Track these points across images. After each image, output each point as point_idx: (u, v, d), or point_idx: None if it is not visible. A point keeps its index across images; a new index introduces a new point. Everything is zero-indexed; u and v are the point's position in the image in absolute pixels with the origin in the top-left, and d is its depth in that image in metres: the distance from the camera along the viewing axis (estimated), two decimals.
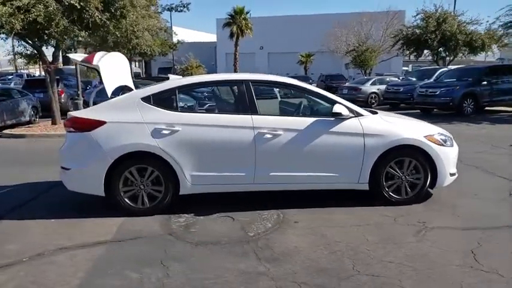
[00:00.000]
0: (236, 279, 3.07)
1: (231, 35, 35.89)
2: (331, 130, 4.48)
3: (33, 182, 5.97)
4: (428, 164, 4.57)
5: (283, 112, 4.95)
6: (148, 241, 3.84)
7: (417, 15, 21.18)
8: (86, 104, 16.15)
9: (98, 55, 4.66)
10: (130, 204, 4.43)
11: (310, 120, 4.52)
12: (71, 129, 4.45)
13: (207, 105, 5.18)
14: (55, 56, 12.81)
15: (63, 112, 10.34)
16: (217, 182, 4.50)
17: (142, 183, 4.42)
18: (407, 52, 21.84)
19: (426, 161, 4.57)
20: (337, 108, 4.42)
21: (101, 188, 4.38)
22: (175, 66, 35.43)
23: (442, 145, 4.62)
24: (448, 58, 20.79)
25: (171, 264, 3.33)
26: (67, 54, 5.13)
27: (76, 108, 16.92)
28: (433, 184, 4.64)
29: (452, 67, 18.36)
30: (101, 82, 4.65)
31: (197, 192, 4.55)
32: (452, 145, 4.74)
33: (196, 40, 47.47)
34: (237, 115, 4.50)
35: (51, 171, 5.75)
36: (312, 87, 4.79)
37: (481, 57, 23.53)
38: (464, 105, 13.68)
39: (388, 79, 21.75)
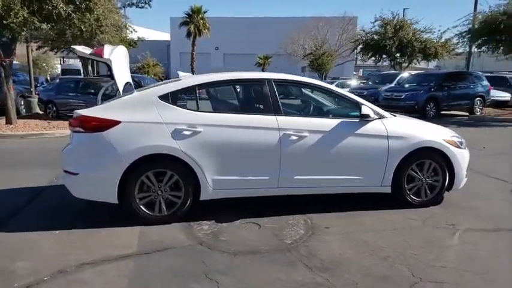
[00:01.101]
0: None
1: (188, 35, 35.20)
2: (356, 132, 4.39)
3: (12, 188, 5.34)
4: (447, 166, 4.62)
5: (305, 113, 4.78)
6: (179, 252, 3.51)
7: (375, 21, 21.91)
8: (42, 102, 15.12)
9: (108, 48, 4.23)
10: (147, 212, 4.06)
11: (335, 121, 4.39)
12: (80, 129, 3.99)
13: (227, 105, 4.88)
14: (11, 49, 11.76)
15: None
16: (240, 186, 4.25)
17: (160, 188, 4.06)
18: (367, 57, 22.51)
19: (445, 163, 4.61)
20: (365, 110, 4.34)
21: (114, 195, 3.97)
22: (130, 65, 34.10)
23: (459, 147, 4.69)
24: (404, 64, 21.67)
25: (218, 278, 3.05)
26: (72, 46, 4.57)
27: (29, 107, 15.77)
28: (450, 186, 4.69)
29: (406, 73, 19.21)
30: (110, 77, 4.22)
31: (218, 198, 4.26)
32: (465, 147, 4.83)
33: (149, 38, 46.09)
34: (261, 116, 4.27)
35: (24, 175, 5.19)
36: (336, 89, 4.67)
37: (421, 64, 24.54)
38: (427, 108, 14.31)
39: (349, 83, 22.39)
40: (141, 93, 4.25)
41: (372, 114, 4.38)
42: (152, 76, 26.56)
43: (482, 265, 3.24)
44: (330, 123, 4.38)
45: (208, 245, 3.64)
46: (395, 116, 4.82)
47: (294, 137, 4.22)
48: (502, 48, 15.24)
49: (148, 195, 4.06)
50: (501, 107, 17.91)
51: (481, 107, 15.72)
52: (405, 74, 18.21)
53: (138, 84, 17.30)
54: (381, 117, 4.51)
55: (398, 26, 20.85)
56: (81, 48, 4.24)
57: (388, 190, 4.55)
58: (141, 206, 4.04)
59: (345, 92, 4.66)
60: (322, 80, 31.49)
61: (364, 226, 4.09)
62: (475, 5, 18.85)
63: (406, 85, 15.92)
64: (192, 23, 34.15)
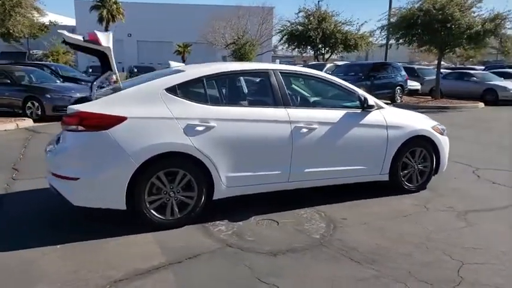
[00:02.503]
0: (365, 285, 2.84)
1: (100, 20, 32.93)
2: (360, 123, 4.46)
3: None
4: (434, 152, 4.93)
5: (311, 105, 4.71)
6: (212, 257, 3.25)
7: (299, 12, 22.53)
8: None
9: (103, 35, 3.70)
10: (158, 216, 3.70)
11: (341, 113, 4.42)
12: (78, 127, 3.47)
13: (237, 97, 4.60)
14: None
15: None
16: (253, 182, 4.07)
17: (172, 189, 3.72)
18: (292, 47, 23.09)
19: (432, 150, 4.91)
20: (370, 101, 4.43)
21: (122, 200, 3.55)
22: (32, 52, 30.78)
23: (442, 134, 5.03)
24: (326, 55, 22.67)
25: (275, 281, 2.88)
26: (59, 31, 3.82)
27: None
28: (436, 171, 5.02)
29: (332, 63, 20.14)
30: (105, 68, 3.72)
31: (231, 196, 4.04)
32: (446, 134, 5.20)
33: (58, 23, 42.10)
34: (273, 108, 4.11)
35: None
36: (338, 80, 4.67)
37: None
38: None
39: None
40: (145, 86, 3.81)
41: (375, 105, 4.48)
42: (64, 64, 24.21)
43: (504, 243, 3.52)
44: (337, 114, 4.39)
45: (238, 247, 3.44)
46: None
47: (305, 130, 4.16)
48: (416, 41, 16.62)
49: (159, 198, 3.70)
50: (413, 95, 19.69)
51: (400, 95, 17.09)
52: (331, 65, 19.04)
53: (55, 73, 15.79)
54: (380, 107, 4.64)
55: (321, 18, 21.66)
56: (71, 35, 3.67)
57: (386, 178, 4.72)
58: (152, 211, 3.67)
59: (346, 83, 4.69)
60: None
61: (377, 215, 4.19)
62: (390, 2, 20.29)
63: (338, 75, 16.69)
64: (105, 7, 31.99)
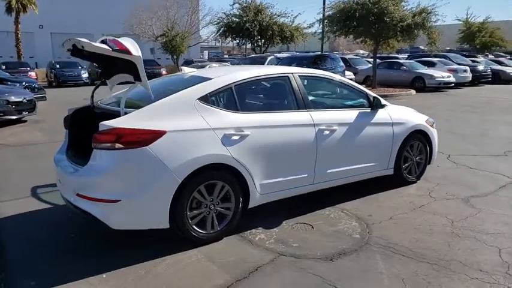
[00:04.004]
0: (436, 281, 3.02)
1: (9, 10, 29.77)
2: (372, 121, 4.66)
3: None
4: (428, 144, 5.31)
5: (328, 106, 4.76)
6: (275, 269, 3.21)
7: (234, 4, 22.45)
8: None
9: (129, 42, 3.42)
10: (200, 231, 3.56)
11: (355, 113, 4.58)
12: (116, 145, 3.19)
13: (264, 103, 4.50)
14: None
15: None
16: (283, 187, 4.08)
17: (211, 202, 3.60)
18: (229, 39, 22.98)
19: (426, 142, 5.29)
20: (383, 101, 4.64)
21: (166, 218, 3.36)
22: None
23: (432, 127, 5.43)
24: (264, 47, 22.91)
25: (349, 285, 2.96)
26: (79, 39, 3.31)
27: None
28: (429, 161, 5.42)
29: (273, 55, 20.45)
30: (137, 76, 3.43)
31: (264, 203, 4.01)
32: (435, 127, 5.60)
33: None
34: (298, 112, 4.14)
35: None
36: (348, 80, 4.80)
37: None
38: None
39: (208, 66, 22.51)
40: (178, 96, 3.60)
41: (387, 104, 4.71)
42: None
43: None
44: (352, 114, 4.54)
45: (291, 255, 3.44)
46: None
47: (327, 132, 4.25)
48: (352, 33, 17.49)
49: (200, 212, 3.56)
50: None
51: None
52: (272, 57, 19.31)
53: None
54: (384, 105, 4.88)
55: (256, 10, 21.80)
56: (94, 43, 3.32)
57: (392, 172, 5.00)
58: (194, 226, 3.53)
59: (354, 83, 4.84)
60: (175, 63, 30.92)
61: (396, 208, 4.43)
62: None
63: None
64: None
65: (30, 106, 10.41)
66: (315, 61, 16.83)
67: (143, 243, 3.61)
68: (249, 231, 3.88)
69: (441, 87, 18.49)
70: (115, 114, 3.42)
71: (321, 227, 3.99)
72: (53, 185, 5.23)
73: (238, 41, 22.90)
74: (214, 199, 3.61)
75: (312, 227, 4.01)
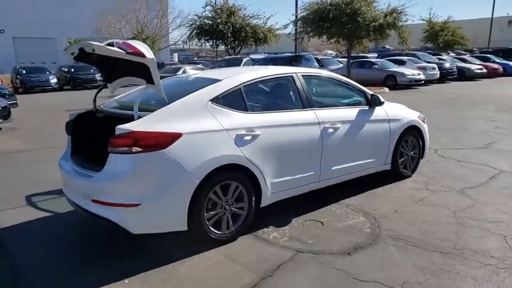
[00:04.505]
0: (453, 270, 3.14)
1: None
2: (371, 119, 4.79)
3: None
4: (421, 139, 5.51)
5: (329, 105, 4.82)
6: (297, 265, 3.25)
7: (206, 6, 22.38)
8: None
9: (141, 45, 3.38)
10: (216, 231, 3.57)
11: (355, 110, 4.70)
12: (133, 148, 3.15)
13: (271, 103, 4.51)
14: None
15: None
16: (291, 186, 4.13)
17: (226, 202, 3.61)
18: (202, 41, 22.87)
19: (420, 137, 5.49)
20: (381, 98, 4.77)
21: (184, 221, 3.35)
22: None
23: (424, 122, 5.63)
24: (237, 49, 22.95)
25: (372, 277, 3.03)
26: (89, 42, 3.20)
27: None
28: (422, 156, 5.61)
29: (249, 57, 20.53)
30: (149, 79, 3.39)
31: (274, 202, 4.05)
32: (426, 122, 5.80)
33: None
34: (304, 111, 4.21)
35: None
36: (346, 79, 4.92)
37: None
38: None
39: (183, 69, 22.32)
40: (190, 98, 3.58)
41: (385, 102, 4.85)
42: None
43: None
44: (353, 112, 4.66)
45: (309, 251, 3.49)
46: None
47: (331, 129, 4.34)
48: (326, 33, 17.81)
49: (215, 213, 3.56)
50: None
51: None
52: (247, 59, 19.40)
53: None
54: (383, 103, 5.02)
55: (229, 12, 21.82)
56: (107, 46, 3.26)
57: (389, 167, 5.15)
58: (210, 227, 3.53)
59: (352, 81, 4.96)
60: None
61: (399, 202, 4.57)
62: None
63: None
64: None
65: (5, 113, 10.01)
66: (290, 62, 17.05)
67: (156, 247, 3.57)
68: (261, 230, 3.91)
69: (412, 84, 19.10)
70: (127, 118, 3.36)
71: (330, 223, 4.06)
72: (47, 193, 5.12)
73: (211, 43, 22.81)
74: (229, 199, 3.63)
75: (322, 223, 4.08)
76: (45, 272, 3.26)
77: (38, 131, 10.08)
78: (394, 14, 16.32)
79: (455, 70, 22.68)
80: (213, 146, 3.46)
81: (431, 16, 36.39)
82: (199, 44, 24.26)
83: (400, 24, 16.48)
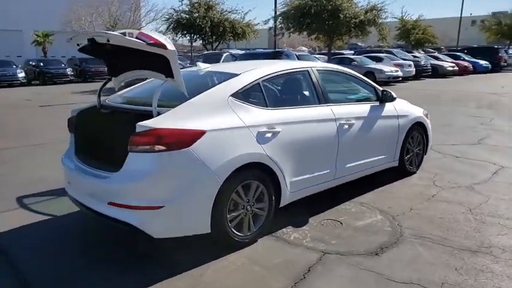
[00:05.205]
0: (486, 268, 3.10)
1: None
2: (382, 115, 4.72)
3: None
4: (425, 135, 5.49)
5: (343, 100, 4.69)
6: (328, 268, 3.11)
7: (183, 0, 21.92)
8: None
9: (160, 36, 3.13)
10: (238, 233, 3.38)
11: (367, 106, 4.61)
12: (156, 147, 2.91)
13: (288, 98, 4.32)
14: None
15: None
16: (309, 184, 3.99)
17: (248, 203, 3.44)
18: (179, 36, 22.40)
19: (424, 133, 5.47)
20: (394, 94, 4.70)
21: (207, 222, 3.15)
22: None
23: (427, 118, 5.61)
24: (215, 44, 22.61)
25: (408, 277, 2.94)
26: (106, 32, 2.88)
27: None
28: (425, 152, 5.60)
29: (228, 52, 20.25)
30: (169, 72, 3.14)
31: (292, 201, 3.90)
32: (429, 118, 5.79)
33: None
34: (320, 107, 4.08)
35: None
36: (358, 74, 4.82)
37: None
38: None
39: None
40: (210, 93, 3.36)
41: (397, 97, 4.79)
42: None
43: None
44: (365, 108, 4.56)
45: (336, 252, 3.36)
46: None
47: (346, 126, 4.23)
48: (307, 29, 17.80)
49: (238, 214, 3.38)
50: None
51: None
52: (227, 54, 19.12)
53: None
54: (395, 99, 4.96)
55: (207, 6, 21.45)
56: (127, 37, 3.00)
57: (396, 164, 5.10)
58: (233, 229, 3.34)
59: (363, 77, 4.87)
60: None
61: (411, 199, 4.51)
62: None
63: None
64: None
65: None
66: (273, 58, 16.93)
67: (173, 251, 3.35)
68: (280, 230, 3.76)
69: (390, 81, 19.39)
70: (145, 114, 3.12)
71: (349, 222, 3.95)
72: (39, 194, 4.78)
73: (189, 37, 22.36)
74: (250, 199, 3.45)
75: (341, 223, 3.96)
76: (56, 279, 2.99)
77: (13, 128, 9.50)
78: (374, 11, 16.45)
79: (430, 67, 23.21)
80: (236, 144, 3.27)
81: (403, 14, 37.18)
82: (176, 38, 23.72)
83: (380, 21, 16.63)
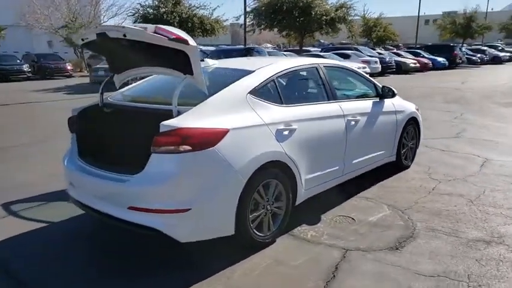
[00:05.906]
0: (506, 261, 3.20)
1: None
2: (383, 110, 4.78)
3: None
4: (417, 130, 5.63)
5: (348, 97, 4.68)
6: (353, 265, 3.10)
7: None
8: None
9: (180, 31, 2.99)
10: (259, 233, 3.31)
11: (370, 102, 4.65)
12: (181, 147, 2.77)
13: (300, 95, 4.24)
14: None
15: None
16: (321, 181, 3.97)
17: (267, 202, 3.37)
18: None
19: (416, 127, 5.60)
20: (394, 90, 4.76)
21: (232, 224, 3.06)
22: None
23: (418, 112, 5.75)
24: None
25: (434, 270, 2.98)
26: (123, 26, 2.65)
27: None
28: (417, 146, 5.74)
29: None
30: (188, 69, 3.00)
31: (305, 199, 3.86)
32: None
33: None
34: (330, 103, 4.06)
35: None
36: (359, 71, 4.84)
37: None
38: None
39: None
40: (229, 90, 3.25)
41: (397, 93, 4.86)
42: None
43: None
44: (368, 104, 4.60)
45: (357, 249, 3.36)
46: None
47: (353, 122, 4.25)
48: (278, 26, 17.83)
49: (259, 214, 3.30)
50: None
51: None
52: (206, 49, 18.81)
53: None
54: (396, 95, 5.03)
55: (175, 1, 21.02)
56: (150, 32, 2.84)
57: (394, 158, 5.19)
58: (255, 230, 3.27)
59: (364, 73, 4.90)
60: (79, 57, 28.50)
61: (413, 193, 4.60)
62: None
63: None
64: None
65: None
66: (245, 54, 16.85)
67: (193, 254, 3.22)
68: (295, 229, 3.72)
69: None
70: (164, 113, 2.96)
71: (360, 218, 3.97)
72: (26, 200, 4.48)
73: None
74: (270, 198, 3.38)
75: (353, 218, 3.97)
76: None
77: None
78: (344, 9, 16.72)
79: (394, 64, 23.94)
80: (257, 142, 3.19)
81: (365, 12, 38.08)
82: None
83: (350, 18, 16.94)
